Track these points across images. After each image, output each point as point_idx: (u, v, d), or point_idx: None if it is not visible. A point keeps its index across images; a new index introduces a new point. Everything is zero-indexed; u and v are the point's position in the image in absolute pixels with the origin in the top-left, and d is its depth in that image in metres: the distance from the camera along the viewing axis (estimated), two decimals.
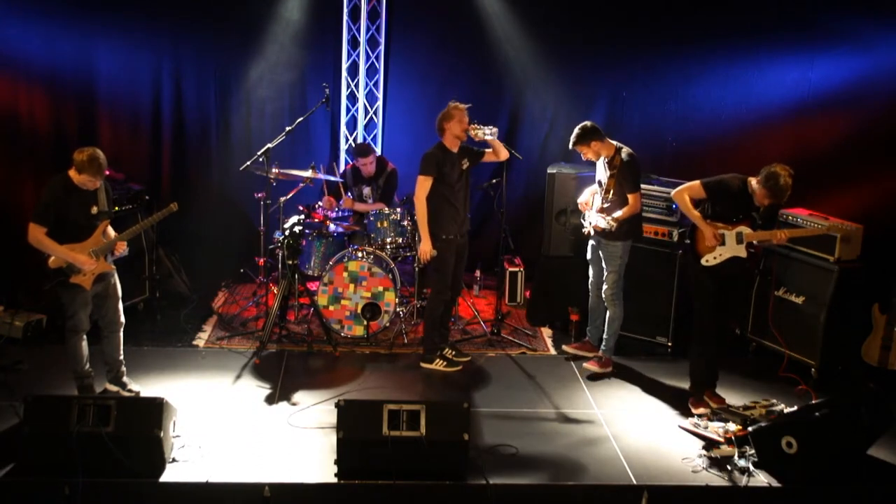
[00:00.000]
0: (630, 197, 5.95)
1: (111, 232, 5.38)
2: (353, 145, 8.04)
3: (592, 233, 6.18)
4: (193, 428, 5.12)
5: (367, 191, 7.44)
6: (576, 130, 5.98)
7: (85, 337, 5.39)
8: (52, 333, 6.40)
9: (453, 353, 6.38)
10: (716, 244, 5.52)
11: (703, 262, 5.58)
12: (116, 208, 5.43)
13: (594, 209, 6.12)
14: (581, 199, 6.36)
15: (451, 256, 6.09)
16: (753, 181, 5.45)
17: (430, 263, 6.13)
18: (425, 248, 6.01)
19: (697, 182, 5.63)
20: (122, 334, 5.55)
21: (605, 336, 6.27)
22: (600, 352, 6.32)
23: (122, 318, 5.54)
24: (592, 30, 7.76)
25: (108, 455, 4.52)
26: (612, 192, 5.98)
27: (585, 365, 6.32)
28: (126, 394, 5.51)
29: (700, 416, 5.52)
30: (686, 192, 5.65)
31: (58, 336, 6.37)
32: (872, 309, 6.24)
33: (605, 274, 6.17)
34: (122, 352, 5.56)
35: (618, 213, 5.91)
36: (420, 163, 5.99)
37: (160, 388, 5.63)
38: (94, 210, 5.24)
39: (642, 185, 6.15)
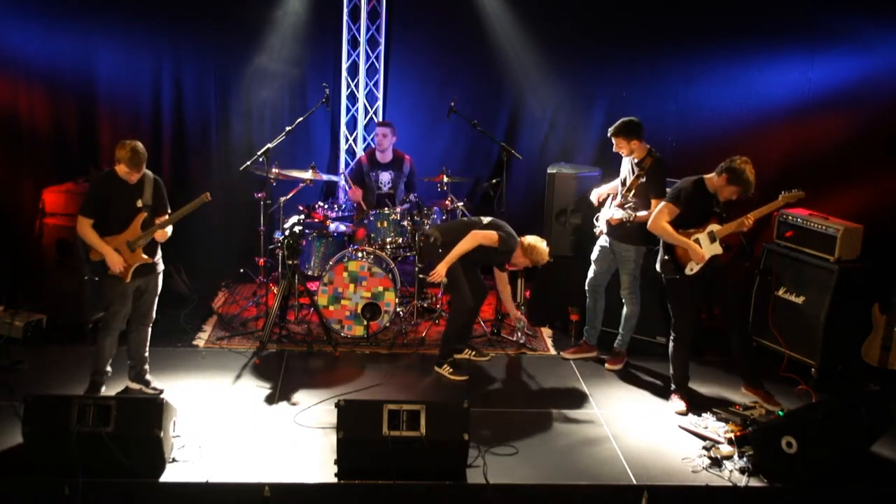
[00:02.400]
0: (654, 202, 5.91)
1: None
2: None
3: (605, 230, 6.19)
4: (193, 428, 5.12)
5: (384, 177, 7.41)
6: (621, 122, 5.93)
7: (117, 338, 5.45)
8: (53, 333, 6.40)
9: (473, 352, 6.41)
10: (704, 258, 5.52)
11: (687, 271, 5.57)
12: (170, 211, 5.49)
13: (613, 204, 6.13)
14: (600, 190, 6.34)
15: (461, 269, 6.02)
16: (714, 179, 5.46)
17: (448, 283, 6.05)
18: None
19: (665, 204, 5.59)
20: (150, 331, 5.61)
21: (620, 331, 6.36)
22: (616, 346, 6.38)
23: (154, 315, 5.60)
24: (592, 30, 7.76)
25: (108, 455, 4.52)
26: (633, 191, 5.98)
27: (607, 366, 6.36)
28: (150, 391, 5.55)
29: (678, 412, 5.60)
30: (663, 220, 5.56)
31: (58, 336, 6.38)
32: (872, 309, 6.24)
33: (620, 276, 6.24)
34: (147, 348, 5.61)
35: (641, 213, 5.91)
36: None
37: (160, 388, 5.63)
38: (139, 203, 5.33)
39: None
